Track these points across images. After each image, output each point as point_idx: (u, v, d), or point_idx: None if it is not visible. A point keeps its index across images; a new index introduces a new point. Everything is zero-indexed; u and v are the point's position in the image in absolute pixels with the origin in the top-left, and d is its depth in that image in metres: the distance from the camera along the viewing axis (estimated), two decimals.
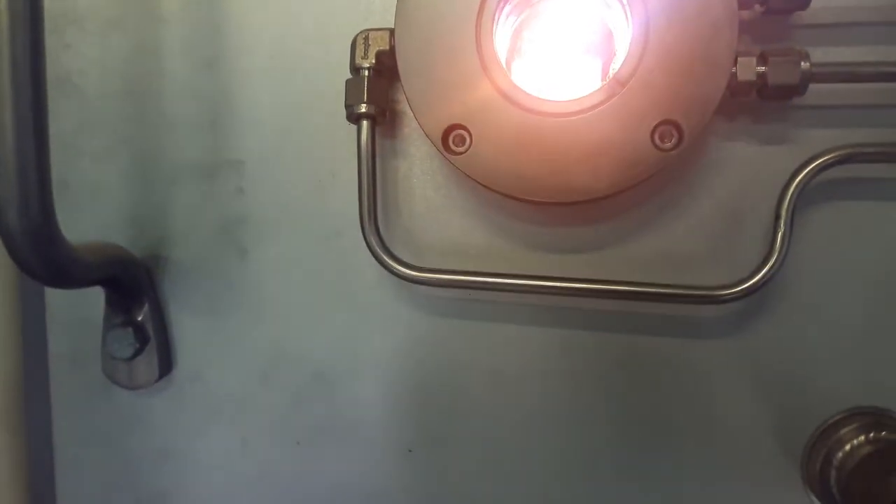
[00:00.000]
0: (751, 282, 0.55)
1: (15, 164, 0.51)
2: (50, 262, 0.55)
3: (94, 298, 0.68)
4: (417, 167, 0.64)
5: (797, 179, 0.55)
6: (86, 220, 0.70)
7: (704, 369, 0.61)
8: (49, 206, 0.53)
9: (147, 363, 0.67)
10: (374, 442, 0.67)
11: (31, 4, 0.51)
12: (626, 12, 0.55)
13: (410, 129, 0.64)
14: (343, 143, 0.63)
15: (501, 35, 0.59)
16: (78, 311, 0.70)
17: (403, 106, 0.63)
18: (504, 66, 0.57)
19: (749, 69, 0.54)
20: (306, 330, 0.67)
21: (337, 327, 0.66)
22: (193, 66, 0.67)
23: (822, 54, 0.57)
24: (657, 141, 0.54)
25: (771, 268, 0.55)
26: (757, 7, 0.56)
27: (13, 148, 0.51)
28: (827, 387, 0.60)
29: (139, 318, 0.67)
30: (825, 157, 0.55)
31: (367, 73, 0.59)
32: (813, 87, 0.54)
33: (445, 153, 0.56)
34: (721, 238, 0.60)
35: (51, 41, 0.64)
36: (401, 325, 0.65)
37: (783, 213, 0.55)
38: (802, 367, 0.60)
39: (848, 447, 0.57)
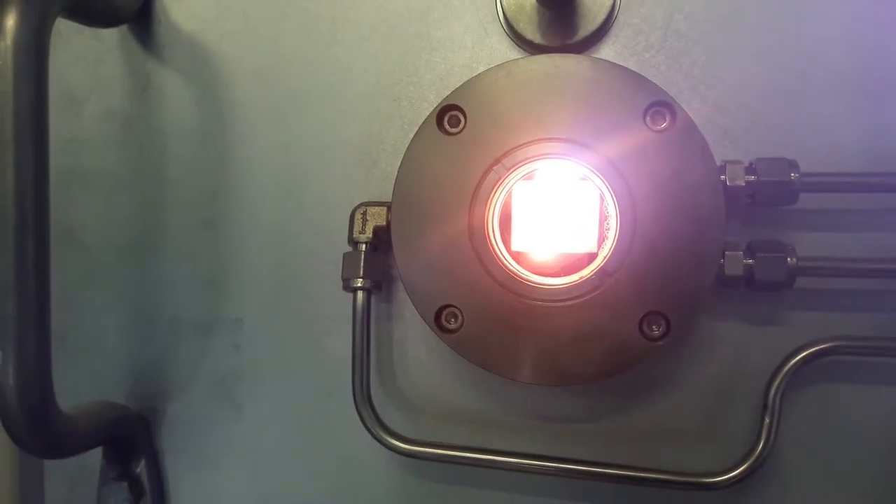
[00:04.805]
0: (737, 471, 0.56)
1: (14, 352, 0.52)
2: (46, 438, 0.56)
3: None
4: (412, 330, 0.65)
5: (783, 371, 0.56)
6: (84, 371, 0.71)
7: None
8: (48, 387, 0.54)
9: None
10: None
11: (35, 163, 0.54)
12: (615, 204, 0.56)
13: (405, 293, 0.65)
14: (339, 304, 0.64)
15: (494, 216, 0.60)
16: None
17: None
18: (497, 246, 0.59)
19: (737, 264, 0.55)
20: (299, 492, 0.67)
21: (329, 490, 0.67)
22: (194, 225, 0.68)
23: (810, 241, 0.58)
24: (645, 330, 0.55)
25: (757, 458, 0.56)
26: (744, 200, 0.57)
27: (14, 339, 0.52)
28: None
29: (136, 471, 0.67)
30: (808, 351, 0.56)
31: (363, 247, 0.61)
32: None
33: (438, 332, 0.58)
34: (712, 414, 0.61)
35: (58, 195, 0.66)
36: (393, 490, 0.66)
37: (769, 402, 0.56)
38: None
39: None
